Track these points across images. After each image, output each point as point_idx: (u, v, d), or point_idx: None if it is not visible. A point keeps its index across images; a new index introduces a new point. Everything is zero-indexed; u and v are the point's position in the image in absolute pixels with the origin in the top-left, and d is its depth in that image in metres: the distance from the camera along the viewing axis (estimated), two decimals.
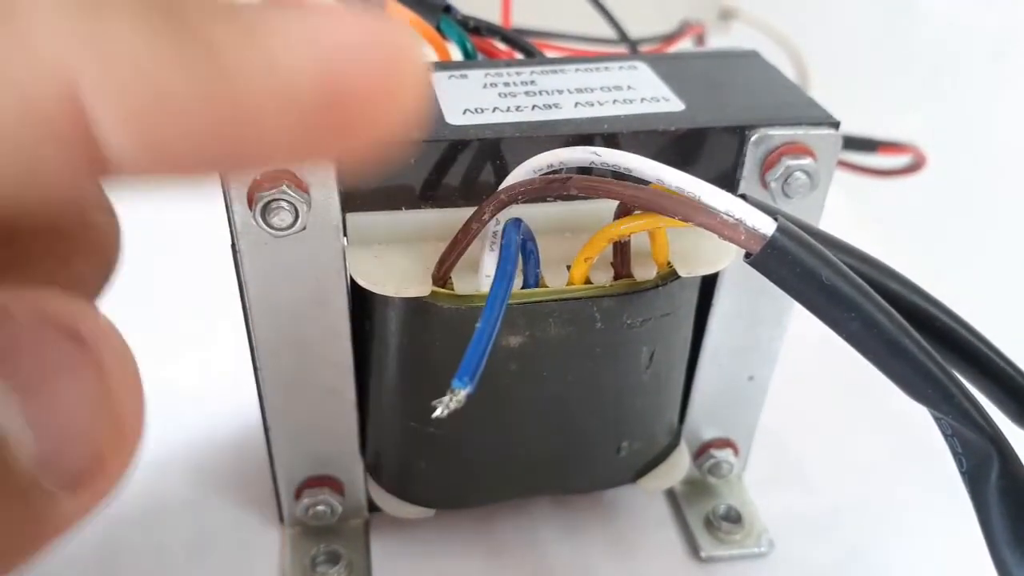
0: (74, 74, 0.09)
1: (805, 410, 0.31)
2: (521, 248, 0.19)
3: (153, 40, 0.09)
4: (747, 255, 0.17)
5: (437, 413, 0.16)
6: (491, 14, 0.30)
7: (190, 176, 0.10)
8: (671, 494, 0.28)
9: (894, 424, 0.31)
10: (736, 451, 0.27)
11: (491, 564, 0.26)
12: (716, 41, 0.50)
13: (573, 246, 0.20)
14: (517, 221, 0.19)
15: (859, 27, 0.57)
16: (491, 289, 0.17)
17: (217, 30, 0.10)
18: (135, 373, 0.13)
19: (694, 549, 0.26)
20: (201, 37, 0.10)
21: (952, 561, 0.26)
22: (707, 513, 0.27)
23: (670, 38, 0.44)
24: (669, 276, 0.21)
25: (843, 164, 0.39)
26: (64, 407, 0.12)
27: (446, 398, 0.16)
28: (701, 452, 0.27)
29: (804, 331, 0.23)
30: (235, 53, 0.10)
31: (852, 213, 0.42)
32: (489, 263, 0.20)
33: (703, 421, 0.26)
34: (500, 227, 0.19)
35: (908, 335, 0.16)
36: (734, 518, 0.27)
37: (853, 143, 0.39)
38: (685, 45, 0.45)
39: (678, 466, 0.26)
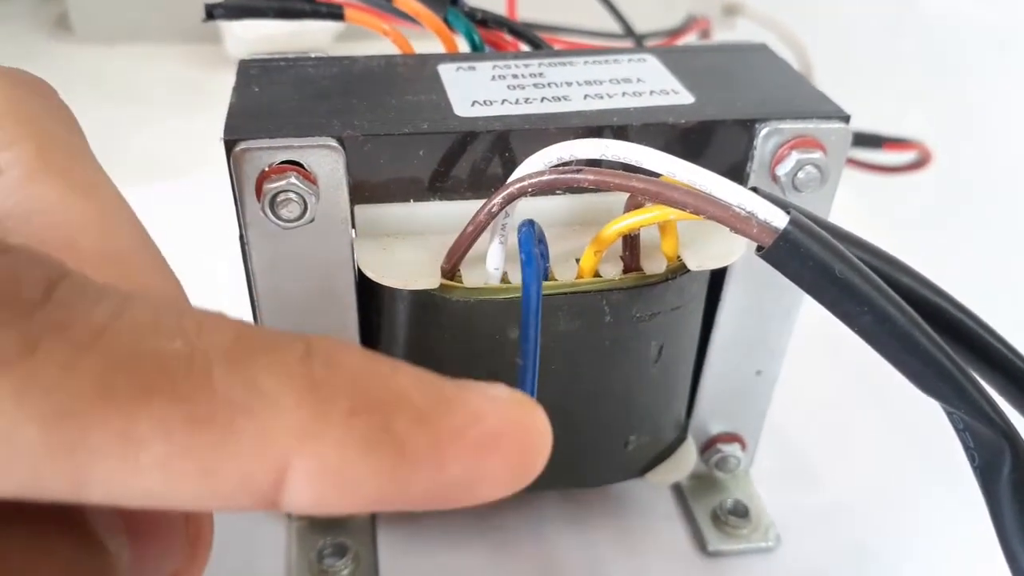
0: (290, 463, 0.11)
1: (813, 405, 0.31)
2: (538, 257, 0.19)
3: (356, 442, 0.11)
4: (759, 248, 0.16)
5: None
6: (497, 6, 0.29)
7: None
8: (678, 488, 0.28)
9: (902, 419, 0.31)
10: (743, 446, 0.27)
11: (497, 557, 0.26)
12: (721, 36, 0.50)
13: (582, 239, 0.20)
14: (531, 226, 0.19)
15: (864, 22, 0.57)
16: (522, 321, 0.17)
17: (404, 426, 0.11)
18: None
19: (701, 543, 0.26)
20: (391, 435, 0.11)
21: (961, 555, 0.26)
22: (714, 507, 0.27)
23: (675, 33, 0.44)
24: (679, 270, 0.21)
25: (849, 161, 0.39)
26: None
27: None
28: (708, 446, 0.27)
29: (812, 326, 0.23)
30: (412, 445, 0.11)
31: (858, 210, 0.42)
32: (498, 256, 0.20)
33: (711, 415, 0.26)
34: (510, 219, 0.19)
35: (920, 329, 0.16)
36: (741, 512, 0.27)
37: (858, 139, 0.39)
38: (690, 40, 0.45)
39: (685, 460, 0.26)
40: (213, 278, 0.29)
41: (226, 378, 0.11)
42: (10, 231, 0.15)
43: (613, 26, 0.42)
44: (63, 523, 0.13)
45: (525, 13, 0.38)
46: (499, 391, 0.13)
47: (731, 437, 0.26)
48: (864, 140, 0.39)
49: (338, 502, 0.11)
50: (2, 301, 0.10)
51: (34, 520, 0.12)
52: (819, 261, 0.16)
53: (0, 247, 0.11)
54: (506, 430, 0.12)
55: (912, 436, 0.30)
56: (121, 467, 0.10)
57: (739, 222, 0.16)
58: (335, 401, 0.11)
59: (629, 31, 0.42)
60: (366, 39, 0.24)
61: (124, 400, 0.10)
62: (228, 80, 0.21)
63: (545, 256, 0.20)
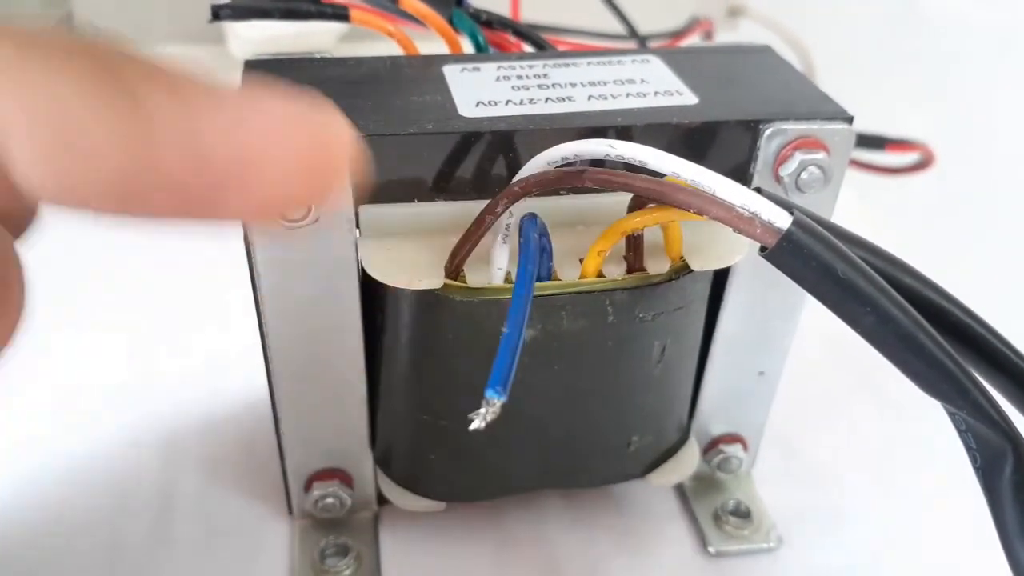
0: None
1: (815, 406, 0.31)
2: (537, 244, 0.19)
3: (83, 86, 0.10)
4: (762, 249, 0.16)
5: (474, 425, 0.15)
6: (502, 7, 0.30)
7: (99, 213, 0.11)
8: (680, 489, 0.28)
9: (904, 420, 0.31)
10: (745, 446, 0.27)
11: (500, 557, 0.26)
12: (724, 38, 0.50)
13: (586, 239, 0.20)
14: (533, 217, 0.19)
15: (866, 24, 0.57)
16: (514, 293, 0.17)
17: (153, 93, 0.10)
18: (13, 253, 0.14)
19: (703, 544, 0.26)
20: (131, 92, 0.10)
21: (962, 556, 0.26)
22: (716, 508, 0.27)
23: (679, 34, 0.44)
24: (682, 270, 0.21)
25: (851, 162, 0.39)
26: None
27: (482, 409, 0.15)
28: (711, 447, 0.27)
29: (815, 326, 0.23)
30: (163, 117, 0.10)
31: (860, 211, 0.42)
32: (502, 256, 0.20)
33: (713, 416, 0.26)
34: (513, 219, 0.19)
35: (923, 330, 0.16)
36: (743, 513, 0.27)
37: (861, 141, 0.39)
38: (693, 41, 0.45)
39: (687, 461, 0.26)
40: (217, 280, 0.29)
41: None
42: None
43: (617, 27, 0.42)
44: None
45: (529, 14, 0.38)
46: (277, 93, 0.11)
47: (733, 438, 0.27)
48: (867, 141, 0.39)
49: (74, 170, 0.10)
50: None
51: None
52: (822, 262, 0.16)
53: None
54: (283, 109, 0.11)
55: (914, 436, 0.30)
56: None
57: (742, 223, 0.16)
58: (45, 47, 0.10)
59: (633, 32, 0.42)
60: (370, 40, 0.24)
61: None
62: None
63: (549, 253, 0.20)
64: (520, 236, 0.18)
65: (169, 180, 0.10)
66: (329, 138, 0.11)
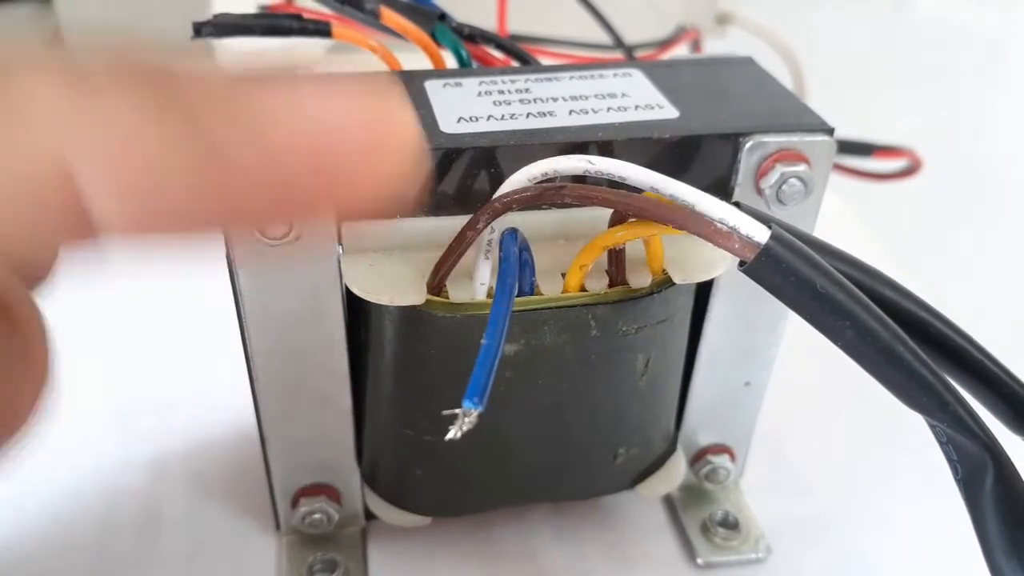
0: (69, 154, 0.10)
1: (802, 415, 0.31)
2: (517, 257, 0.19)
3: (146, 120, 0.10)
4: (741, 263, 0.17)
5: (450, 435, 0.15)
6: (487, 19, 0.30)
7: (184, 235, 0.11)
8: (668, 500, 0.28)
9: (891, 429, 0.31)
10: (733, 457, 0.27)
11: (488, 571, 0.26)
12: (712, 46, 0.51)
13: (568, 253, 0.20)
14: (513, 232, 0.19)
15: (856, 31, 0.58)
16: (494, 305, 0.17)
17: (208, 108, 0.10)
18: (44, 329, 0.13)
19: (691, 555, 0.26)
20: (193, 116, 0.10)
21: (949, 566, 0.26)
22: (704, 519, 0.27)
23: (666, 43, 0.45)
24: (664, 283, 0.21)
25: (839, 168, 0.39)
26: None
27: (458, 419, 0.15)
28: (698, 458, 0.27)
29: (801, 336, 0.23)
30: (223, 130, 0.10)
31: (848, 217, 0.42)
32: (484, 271, 0.20)
33: (700, 427, 0.26)
34: (495, 235, 0.19)
35: (902, 343, 0.16)
36: (731, 524, 0.27)
37: (849, 147, 0.39)
38: (681, 50, 0.45)
39: (675, 472, 0.26)
40: (202, 295, 0.29)
41: None
42: None
43: (604, 37, 0.42)
44: None
45: (515, 25, 0.38)
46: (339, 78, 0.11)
47: (720, 448, 0.27)
48: (854, 147, 0.40)
49: (149, 197, 0.10)
50: None
51: None
52: (800, 276, 0.16)
53: None
54: (349, 104, 0.11)
55: (902, 446, 0.30)
56: None
57: (721, 237, 0.16)
58: (96, 70, 0.10)
59: (619, 42, 0.42)
60: (357, 52, 0.24)
61: None
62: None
63: (531, 267, 0.20)
64: (500, 250, 0.18)
65: (247, 189, 0.10)
66: (393, 124, 0.11)
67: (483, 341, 0.16)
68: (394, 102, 0.11)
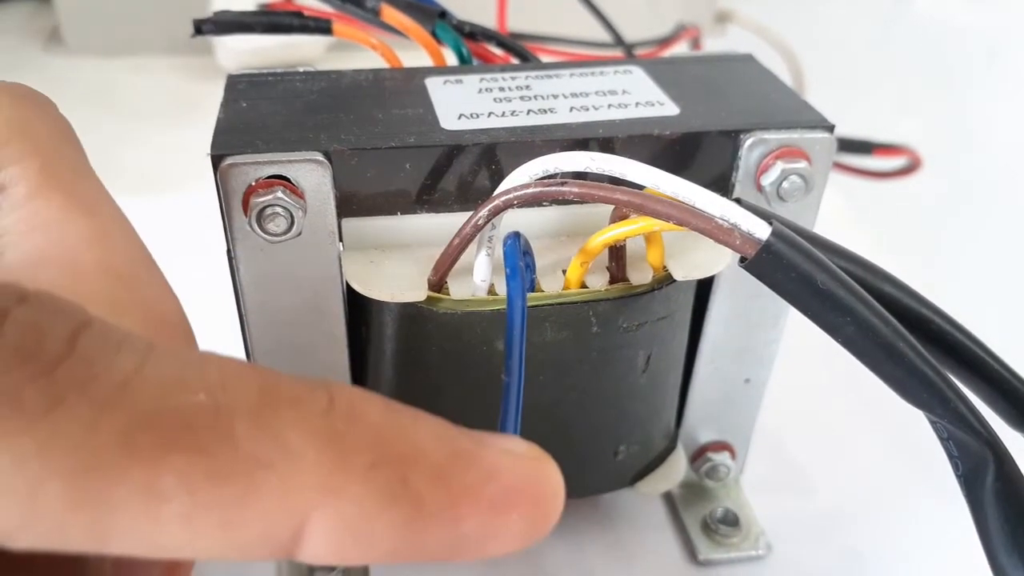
0: (309, 517, 0.11)
1: (803, 412, 0.31)
2: (523, 271, 0.19)
3: (375, 496, 0.11)
4: (742, 259, 0.17)
5: None
6: (487, 17, 0.30)
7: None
8: (668, 497, 0.28)
9: (892, 426, 0.31)
10: (733, 454, 0.27)
11: (488, 569, 0.26)
12: (712, 44, 0.51)
13: (569, 250, 0.20)
14: (516, 237, 0.19)
15: (855, 29, 0.58)
16: (507, 336, 0.17)
17: (431, 488, 0.12)
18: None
19: (691, 552, 0.26)
20: (410, 491, 0.12)
21: (950, 563, 0.26)
22: (704, 516, 0.27)
23: (665, 41, 0.45)
24: (665, 280, 0.21)
25: (839, 166, 0.39)
26: None
27: None
28: (698, 455, 0.27)
29: (801, 332, 0.23)
30: (430, 500, 0.12)
31: (848, 214, 0.42)
32: (484, 268, 0.20)
33: (700, 424, 0.26)
34: (496, 232, 0.19)
35: (903, 339, 0.16)
36: (731, 521, 0.27)
37: (849, 145, 0.39)
38: (681, 48, 0.45)
39: (675, 469, 0.26)
40: (203, 292, 0.29)
41: (249, 432, 0.11)
42: (9, 245, 0.15)
43: (603, 35, 0.42)
44: (68, 569, 0.13)
45: (516, 23, 0.38)
46: (514, 444, 0.13)
47: (721, 446, 0.27)
48: (855, 145, 0.40)
49: (354, 554, 0.11)
50: (26, 355, 0.10)
51: (46, 565, 0.12)
52: (801, 272, 0.16)
53: (19, 295, 0.11)
54: (521, 487, 0.13)
55: (903, 442, 0.30)
56: (143, 521, 0.10)
57: (722, 234, 0.16)
58: (356, 455, 0.11)
59: (619, 40, 0.42)
60: (358, 49, 0.24)
61: (147, 455, 0.10)
62: (220, 92, 0.21)
63: (531, 267, 0.20)
64: (505, 264, 0.18)
65: (428, 554, 0.12)
66: (555, 499, 0.13)
67: (504, 378, 0.17)
68: (551, 467, 0.13)
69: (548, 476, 0.13)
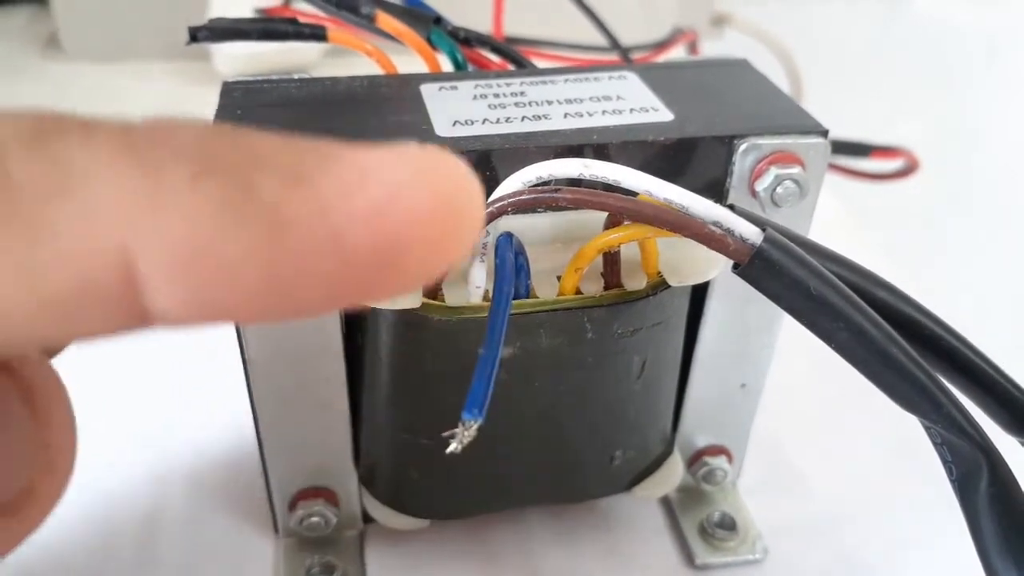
0: (130, 244, 0.09)
1: (799, 416, 0.31)
2: (513, 263, 0.19)
3: (210, 209, 0.09)
4: (735, 266, 0.17)
5: (451, 448, 0.15)
6: (483, 23, 0.30)
7: (242, 322, 0.10)
8: (666, 502, 0.28)
9: (888, 430, 0.31)
10: (730, 458, 0.27)
11: (486, 574, 0.26)
12: (709, 48, 0.51)
13: (563, 256, 0.20)
14: (508, 236, 0.19)
15: (853, 31, 0.58)
16: (491, 315, 0.17)
17: (273, 188, 0.10)
18: (69, 416, 0.13)
19: (689, 556, 0.26)
20: (257, 199, 0.09)
21: (946, 566, 0.26)
22: (701, 520, 0.27)
23: (662, 45, 0.45)
24: (659, 286, 0.21)
25: (836, 168, 0.39)
26: None
27: (459, 431, 0.15)
28: (695, 460, 0.27)
29: (798, 336, 0.23)
30: (289, 210, 0.10)
31: (845, 217, 0.42)
32: (479, 274, 0.20)
33: (696, 429, 0.26)
34: (490, 238, 0.19)
35: (896, 345, 0.16)
36: (728, 525, 0.27)
37: (846, 147, 0.39)
38: (677, 52, 0.45)
39: (672, 474, 0.26)
40: None
41: (25, 162, 0.09)
42: None
43: (600, 40, 0.42)
44: None
45: (512, 28, 0.38)
46: (395, 144, 0.11)
47: (717, 450, 0.27)
48: (852, 148, 0.40)
49: (215, 297, 0.09)
50: None
51: None
52: (793, 278, 0.16)
53: None
54: (412, 181, 0.10)
55: (900, 446, 0.30)
56: None
57: (715, 240, 0.16)
58: (172, 168, 0.09)
59: (615, 44, 0.42)
60: (354, 55, 0.24)
61: None
62: (217, 97, 0.21)
63: (525, 271, 0.20)
64: (496, 256, 0.18)
65: (310, 274, 0.10)
66: (459, 187, 0.11)
67: (480, 352, 0.16)
68: (451, 160, 0.11)
69: (445, 161, 0.11)
